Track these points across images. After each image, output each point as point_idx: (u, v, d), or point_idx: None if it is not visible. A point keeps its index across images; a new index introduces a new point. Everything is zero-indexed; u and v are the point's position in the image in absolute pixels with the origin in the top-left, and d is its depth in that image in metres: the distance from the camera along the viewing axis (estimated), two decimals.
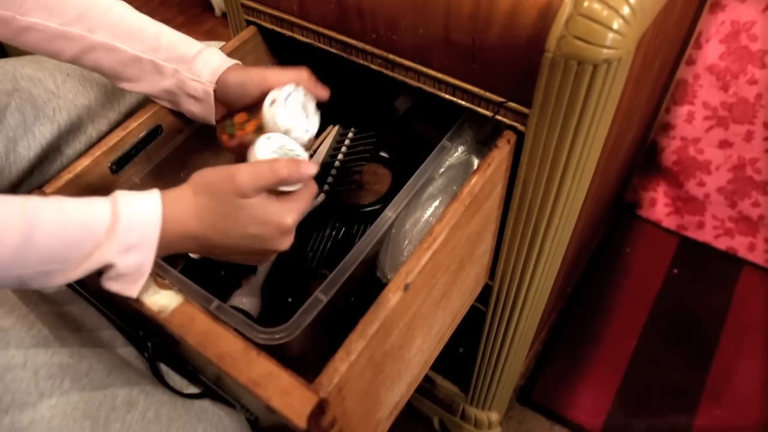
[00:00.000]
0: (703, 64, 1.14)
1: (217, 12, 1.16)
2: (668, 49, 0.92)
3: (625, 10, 0.45)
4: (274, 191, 0.49)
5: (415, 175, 0.57)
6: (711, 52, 1.12)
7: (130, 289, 0.47)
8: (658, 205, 1.42)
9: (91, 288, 0.62)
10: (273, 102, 0.54)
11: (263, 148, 0.51)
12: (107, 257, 0.43)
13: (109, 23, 0.56)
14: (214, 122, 0.61)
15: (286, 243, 0.50)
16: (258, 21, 0.68)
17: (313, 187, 0.51)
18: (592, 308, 1.31)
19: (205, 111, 0.60)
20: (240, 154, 0.56)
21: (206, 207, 0.47)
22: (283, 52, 0.73)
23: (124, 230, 0.43)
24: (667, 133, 1.28)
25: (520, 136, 0.54)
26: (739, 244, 1.38)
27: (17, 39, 0.57)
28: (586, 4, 0.45)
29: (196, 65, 0.57)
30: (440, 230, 0.48)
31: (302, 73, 0.57)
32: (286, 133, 0.54)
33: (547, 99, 0.49)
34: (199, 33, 1.10)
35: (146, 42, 0.57)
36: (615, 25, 0.44)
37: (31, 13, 0.55)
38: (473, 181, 0.51)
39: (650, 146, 1.33)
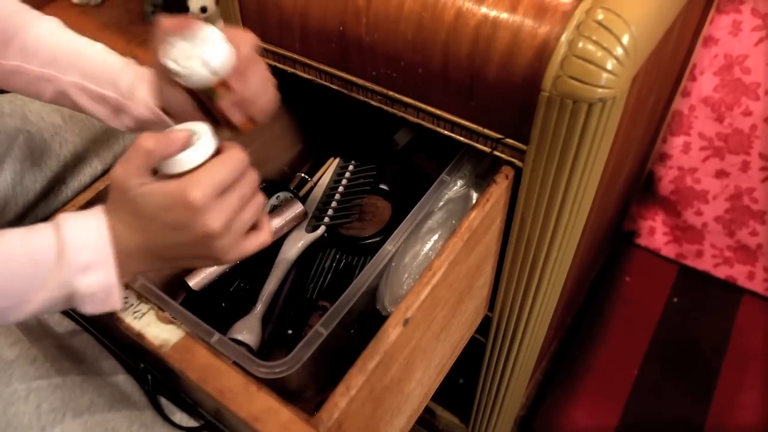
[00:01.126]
0: (698, 96, 1.16)
1: None
2: (663, 82, 0.94)
3: (619, 51, 0.46)
4: (167, 174, 0.42)
5: (414, 208, 0.58)
6: (705, 84, 1.14)
7: (106, 306, 0.43)
8: (657, 234, 1.43)
9: (91, 319, 0.62)
10: (177, 75, 0.48)
11: (172, 64, 0.47)
12: (65, 283, 0.41)
13: (80, 63, 0.56)
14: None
15: (211, 223, 0.41)
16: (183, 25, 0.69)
17: (231, 154, 0.43)
18: (592, 337, 1.31)
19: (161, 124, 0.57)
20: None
21: (125, 214, 0.43)
22: (285, 87, 0.74)
23: (74, 251, 0.41)
24: (664, 163, 1.29)
25: (518, 172, 0.55)
26: (738, 273, 1.38)
27: (5, 83, 0.58)
28: (580, 44, 0.46)
29: (138, 95, 0.54)
30: (439, 265, 0.49)
31: (160, 28, 0.49)
32: (215, 73, 0.47)
33: (544, 136, 0.50)
34: None
35: (112, 81, 0.55)
36: (609, 66, 0.46)
37: (14, 57, 0.56)
38: (472, 216, 0.51)
39: (648, 176, 1.34)
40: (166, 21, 0.48)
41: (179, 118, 0.54)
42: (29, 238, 0.41)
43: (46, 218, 0.61)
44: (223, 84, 0.49)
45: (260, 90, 0.52)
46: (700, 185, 1.28)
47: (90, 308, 0.43)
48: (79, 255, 0.41)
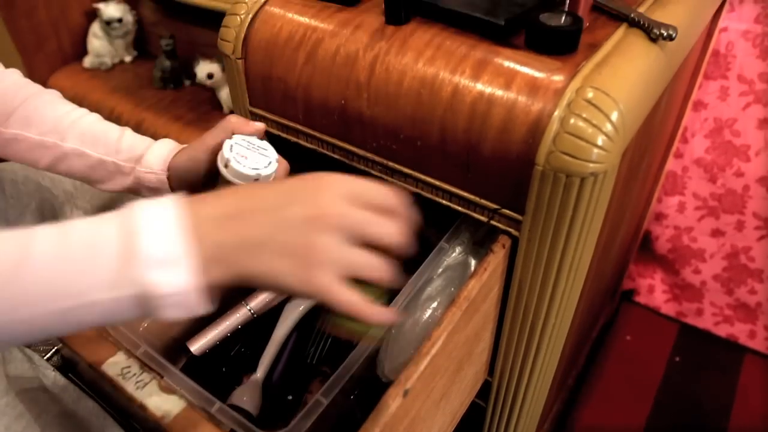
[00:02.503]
0: (691, 158, 1.19)
1: (225, 110, 1.22)
2: (655, 146, 0.96)
3: (608, 128, 0.48)
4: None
5: (414, 276, 0.59)
6: (697, 146, 1.17)
7: (188, 310, 0.35)
8: (656, 292, 1.43)
9: (95, 386, 0.62)
10: (226, 164, 0.54)
11: (229, 154, 0.53)
12: (135, 281, 0.34)
13: (78, 131, 0.60)
14: None
15: (330, 204, 0.37)
16: (265, 128, 0.72)
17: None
18: (595, 399, 1.29)
19: None
20: None
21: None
22: (288, 155, 0.76)
23: (146, 243, 0.34)
24: (661, 222, 1.31)
25: (515, 241, 0.56)
26: (739, 332, 1.37)
27: (4, 150, 0.61)
28: (572, 122, 0.48)
29: (147, 159, 0.59)
30: (438, 335, 0.49)
31: (229, 123, 0.57)
32: (257, 179, 0.54)
33: (539, 207, 0.52)
34: (208, 129, 1.14)
35: (109, 146, 0.60)
36: (599, 142, 0.48)
37: (14, 125, 0.59)
38: (470, 285, 0.52)
39: (645, 235, 1.36)
40: (234, 117, 0.57)
41: (180, 188, 0.60)
42: (93, 227, 0.35)
43: None
44: None
45: None
46: (696, 244, 1.30)
47: (169, 312, 0.35)
48: (152, 247, 0.34)
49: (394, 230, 0.39)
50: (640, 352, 1.38)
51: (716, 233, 1.26)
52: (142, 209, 0.35)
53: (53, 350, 0.64)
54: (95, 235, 0.35)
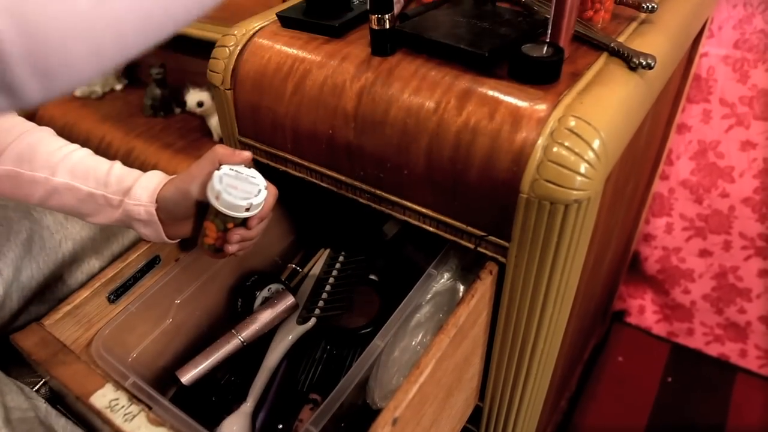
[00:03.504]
0: (677, 179, 1.21)
1: (215, 137, 1.22)
2: (640, 169, 0.98)
3: (590, 155, 0.49)
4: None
5: (403, 303, 0.59)
6: (682, 168, 1.19)
7: None
8: (647, 312, 1.44)
9: (84, 418, 0.62)
10: (217, 197, 0.56)
11: (219, 185, 0.56)
12: None
13: (69, 165, 0.61)
14: (166, 240, 0.63)
15: None
16: (254, 156, 0.72)
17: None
18: (588, 421, 1.29)
19: (154, 231, 0.62)
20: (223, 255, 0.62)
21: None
22: (278, 182, 0.77)
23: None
24: (649, 243, 1.32)
25: (502, 267, 0.57)
26: (730, 351, 1.38)
27: None
28: (554, 150, 0.49)
29: (135, 191, 0.60)
30: (427, 362, 0.50)
31: (216, 154, 0.59)
32: (248, 209, 0.57)
33: (525, 234, 0.52)
34: (198, 157, 1.15)
35: (99, 179, 0.61)
36: (582, 170, 0.49)
37: (6, 161, 0.60)
38: (458, 312, 0.53)
39: (634, 256, 1.37)
40: (220, 148, 0.59)
41: (169, 220, 0.61)
42: None
43: (39, 318, 0.62)
44: (245, 221, 0.59)
45: (260, 235, 0.63)
46: (685, 264, 1.31)
47: None
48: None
49: None
50: (633, 372, 1.38)
51: (704, 253, 1.27)
52: None
53: (41, 382, 0.64)
54: None
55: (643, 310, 1.44)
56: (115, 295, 0.65)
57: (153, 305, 0.68)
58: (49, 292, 0.69)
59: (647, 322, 1.45)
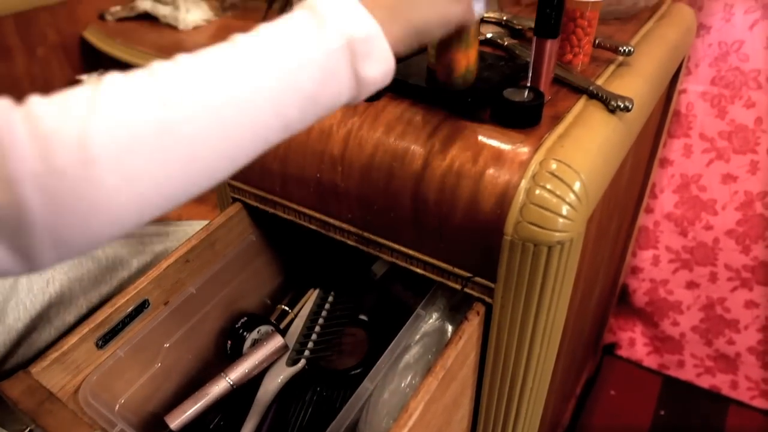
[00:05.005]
0: (661, 212, 1.23)
1: None
2: (625, 204, 0.99)
3: (571, 197, 0.50)
4: None
5: (391, 345, 0.60)
6: (666, 201, 1.21)
7: (386, 59, 0.41)
8: (638, 345, 1.44)
9: None
10: None
11: None
12: (337, 30, 0.38)
13: None
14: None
15: None
16: (243, 198, 0.73)
17: None
18: None
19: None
20: None
21: None
22: (266, 224, 0.78)
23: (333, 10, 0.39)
24: (637, 276, 1.33)
25: (489, 307, 0.57)
26: (721, 382, 1.38)
27: None
28: (537, 193, 0.50)
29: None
30: (416, 406, 0.50)
31: None
32: None
33: (510, 275, 0.53)
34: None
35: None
36: (564, 212, 0.50)
37: None
38: (446, 354, 0.53)
39: (622, 288, 1.38)
40: None
41: None
42: (279, 20, 0.39)
43: (26, 363, 0.62)
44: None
45: None
46: (673, 296, 1.32)
47: (372, 63, 0.40)
48: (337, 14, 0.39)
49: None
50: (625, 406, 1.38)
51: (691, 285, 1.29)
52: None
53: (27, 430, 0.63)
54: (285, 21, 0.39)
55: (634, 343, 1.44)
56: (104, 341, 0.65)
57: (142, 350, 0.68)
58: (36, 333, 0.69)
59: (638, 355, 1.45)
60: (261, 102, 0.36)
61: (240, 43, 0.37)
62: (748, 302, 1.24)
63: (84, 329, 0.63)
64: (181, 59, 0.35)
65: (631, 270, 1.34)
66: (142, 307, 0.68)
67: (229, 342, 0.77)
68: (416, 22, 0.44)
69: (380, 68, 0.41)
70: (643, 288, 1.34)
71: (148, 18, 1.50)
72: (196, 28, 1.43)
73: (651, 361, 1.44)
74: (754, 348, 1.29)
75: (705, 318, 1.31)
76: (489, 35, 0.74)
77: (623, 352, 1.47)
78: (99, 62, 1.49)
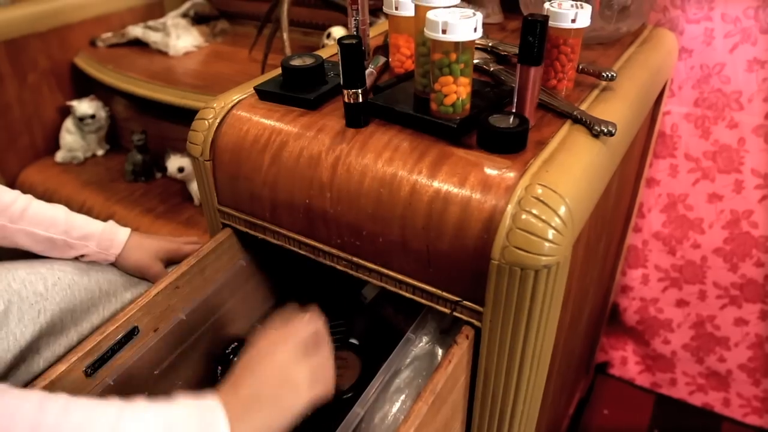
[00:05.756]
0: (649, 231, 1.24)
1: (196, 202, 1.23)
2: (612, 224, 1.00)
3: (557, 222, 0.51)
4: None
5: (381, 369, 0.60)
6: (654, 220, 1.22)
7: None
8: (629, 364, 1.45)
9: None
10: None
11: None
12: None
13: (29, 215, 0.73)
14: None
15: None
16: (233, 224, 0.74)
17: None
18: None
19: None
20: None
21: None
22: (256, 249, 0.78)
23: None
24: (627, 295, 1.34)
25: (478, 331, 0.58)
26: (713, 400, 1.38)
27: None
28: (523, 218, 0.51)
29: (102, 241, 0.76)
30: (405, 431, 0.50)
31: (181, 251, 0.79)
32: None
33: (498, 299, 0.54)
34: (179, 221, 1.16)
35: (58, 227, 0.74)
36: (549, 236, 0.50)
37: None
38: (435, 379, 0.53)
39: (613, 307, 1.38)
40: (189, 248, 0.81)
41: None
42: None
43: None
44: None
45: None
46: (663, 315, 1.33)
47: None
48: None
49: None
50: (619, 425, 1.37)
51: (681, 303, 1.29)
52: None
53: None
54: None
55: (626, 362, 1.45)
56: (93, 369, 0.65)
57: (131, 377, 0.67)
58: (24, 365, 0.68)
59: (630, 373, 1.45)
60: None
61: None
62: (738, 319, 1.25)
63: (72, 357, 0.63)
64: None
65: (621, 289, 1.34)
66: (131, 334, 0.68)
67: (220, 368, 0.76)
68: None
69: None
70: (634, 306, 1.35)
71: (138, 44, 1.51)
72: (186, 54, 1.45)
73: (643, 380, 1.44)
74: (745, 365, 1.29)
75: (695, 336, 1.32)
76: (475, 61, 0.76)
77: (615, 371, 1.47)
78: (90, 88, 1.50)
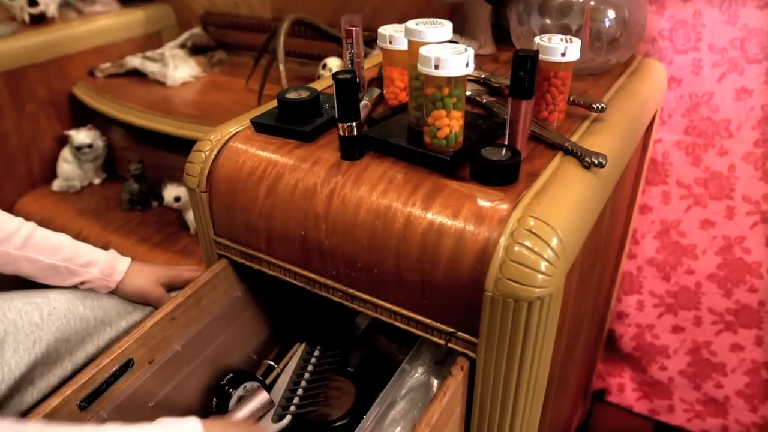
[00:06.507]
0: (643, 258, 1.24)
1: (192, 231, 1.24)
2: (606, 252, 1.01)
3: (549, 254, 0.52)
4: None
5: (377, 400, 0.60)
6: (648, 247, 1.23)
7: None
8: (627, 390, 1.44)
9: None
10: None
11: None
12: None
13: (33, 242, 0.74)
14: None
15: None
16: (229, 255, 0.74)
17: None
18: None
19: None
20: None
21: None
22: (252, 280, 0.78)
23: None
24: (623, 321, 1.34)
25: (473, 362, 0.58)
26: (712, 427, 1.38)
27: None
28: (515, 249, 0.52)
29: (105, 268, 0.77)
30: None
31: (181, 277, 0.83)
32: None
33: (492, 331, 0.54)
34: (175, 251, 1.16)
35: (62, 254, 0.75)
36: (542, 268, 0.51)
37: None
38: (430, 411, 0.53)
39: (609, 334, 1.38)
40: (189, 274, 0.88)
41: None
42: None
43: None
44: None
45: None
46: (659, 341, 1.33)
47: None
48: None
49: None
50: None
51: (677, 329, 1.29)
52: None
53: None
54: None
55: (623, 388, 1.44)
56: (87, 402, 0.64)
57: (125, 410, 0.67)
58: (19, 395, 0.68)
59: (628, 400, 1.44)
60: None
61: None
62: (734, 345, 1.25)
63: (67, 390, 0.63)
64: None
65: (617, 315, 1.35)
66: (126, 367, 0.68)
67: (215, 399, 0.76)
68: None
69: None
70: (630, 333, 1.35)
71: (137, 74, 1.53)
72: (183, 84, 1.46)
73: (641, 407, 1.44)
74: (743, 391, 1.29)
75: (692, 362, 1.32)
76: (468, 93, 0.77)
77: (613, 398, 1.46)
78: (88, 117, 1.52)
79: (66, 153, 1.49)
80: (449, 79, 0.57)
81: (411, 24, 0.62)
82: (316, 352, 0.80)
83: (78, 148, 1.43)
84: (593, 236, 0.72)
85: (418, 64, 0.58)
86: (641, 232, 1.22)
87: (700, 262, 1.19)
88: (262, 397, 0.73)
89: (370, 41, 1.25)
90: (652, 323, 1.31)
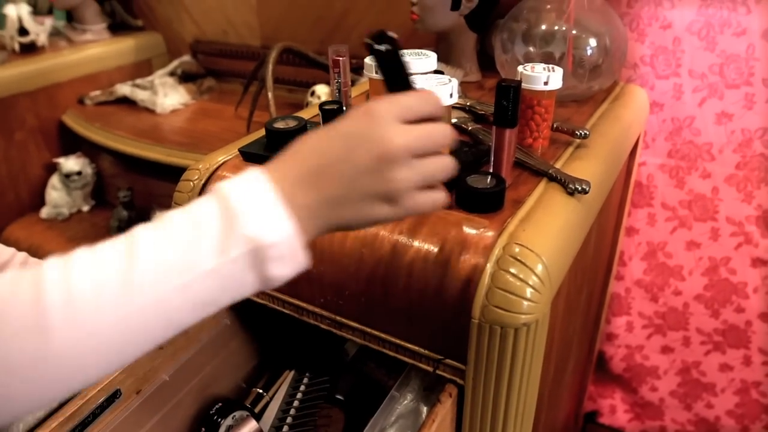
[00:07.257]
0: (631, 279, 1.25)
1: None
2: (593, 274, 1.02)
3: (534, 280, 0.52)
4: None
5: (366, 428, 0.60)
6: (635, 268, 1.24)
7: (296, 262, 0.39)
8: (618, 412, 1.44)
9: None
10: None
11: None
12: (246, 239, 0.37)
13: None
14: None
15: (393, 136, 0.40)
16: None
17: (427, 93, 0.45)
18: None
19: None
20: None
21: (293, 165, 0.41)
22: (240, 308, 0.78)
23: (243, 211, 0.37)
24: (612, 342, 1.35)
25: (461, 388, 0.58)
26: None
27: None
28: (501, 276, 0.52)
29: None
30: None
31: None
32: None
33: (479, 357, 0.54)
34: None
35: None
36: (527, 294, 0.52)
37: None
38: None
39: (599, 355, 1.39)
40: None
41: None
42: (188, 210, 0.38)
43: None
44: None
45: None
46: (649, 361, 1.33)
47: (278, 267, 0.38)
48: (250, 209, 0.38)
49: (444, 133, 0.44)
50: None
51: (666, 350, 1.30)
52: (231, 183, 0.39)
53: None
54: (194, 215, 0.38)
55: (615, 410, 1.44)
56: None
57: None
58: (6, 430, 0.67)
59: (620, 422, 1.44)
60: (152, 317, 0.37)
61: (137, 253, 0.36)
62: (723, 365, 1.25)
63: (53, 423, 0.62)
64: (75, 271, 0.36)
65: (606, 337, 1.35)
66: (113, 397, 0.67)
67: (203, 429, 0.75)
68: (338, 222, 0.42)
69: (289, 269, 0.40)
70: (620, 354, 1.35)
71: (126, 102, 1.54)
72: (173, 112, 1.47)
73: (633, 428, 1.43)
74: (733, 411, 1.29)
75: (682, 382, 1.32)
76: (453, 120, 0.78)
77: (605, 420, 1.46)
78: (77, 145, 1.52)
79: (54, 180, 1.49)
80: None
81: None
82: (305, 380, 0.80)
83: (67, 176, 1.43)
84: (579, 260, 0.72)
85: None
86: (628, 253, 1.23)
87: (687, 282, 1.20)
88: (251, 426, 0.72)
89: (359, 68, 1.27)
90: (642, 344, 1.32)
